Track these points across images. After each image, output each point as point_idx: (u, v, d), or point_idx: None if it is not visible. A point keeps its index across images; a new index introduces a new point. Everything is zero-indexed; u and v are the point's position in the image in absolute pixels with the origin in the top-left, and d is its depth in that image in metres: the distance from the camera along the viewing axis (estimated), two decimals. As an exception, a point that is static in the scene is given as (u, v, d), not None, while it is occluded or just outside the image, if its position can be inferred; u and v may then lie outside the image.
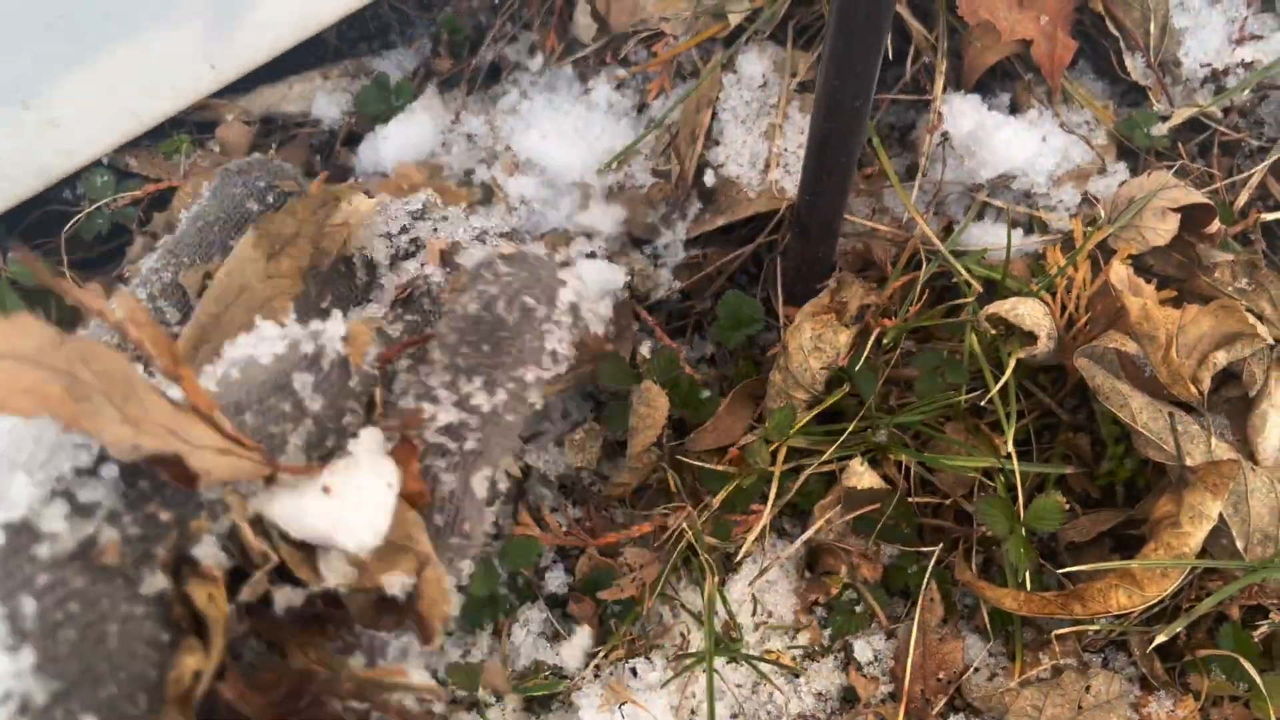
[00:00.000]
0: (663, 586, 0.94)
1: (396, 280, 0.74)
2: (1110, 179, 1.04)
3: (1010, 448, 0.89)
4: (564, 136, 1.11)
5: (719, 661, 0.91)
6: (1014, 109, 1.08)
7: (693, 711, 0.91)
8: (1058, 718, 0.86)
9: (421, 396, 0.63)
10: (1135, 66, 1.08)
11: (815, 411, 0.95)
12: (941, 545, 0.93)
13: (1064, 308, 0.93)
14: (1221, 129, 1.07)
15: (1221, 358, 0.86)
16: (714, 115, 1.07)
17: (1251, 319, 0.85)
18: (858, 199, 1.07)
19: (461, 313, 0.66)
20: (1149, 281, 0.90)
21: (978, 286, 0.96)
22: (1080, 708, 0.86)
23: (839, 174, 0.87)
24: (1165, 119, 1.06)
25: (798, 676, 0.93)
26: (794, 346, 0.94)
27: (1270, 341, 0.87)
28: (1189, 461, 0.84)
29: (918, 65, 1.09)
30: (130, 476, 0.53)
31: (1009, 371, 0.89)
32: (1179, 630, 0.85)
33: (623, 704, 0.89)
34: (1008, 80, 1.10)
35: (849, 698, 0.93)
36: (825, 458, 0.94)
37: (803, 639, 0.95)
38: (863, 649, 0.94)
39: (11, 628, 0.49)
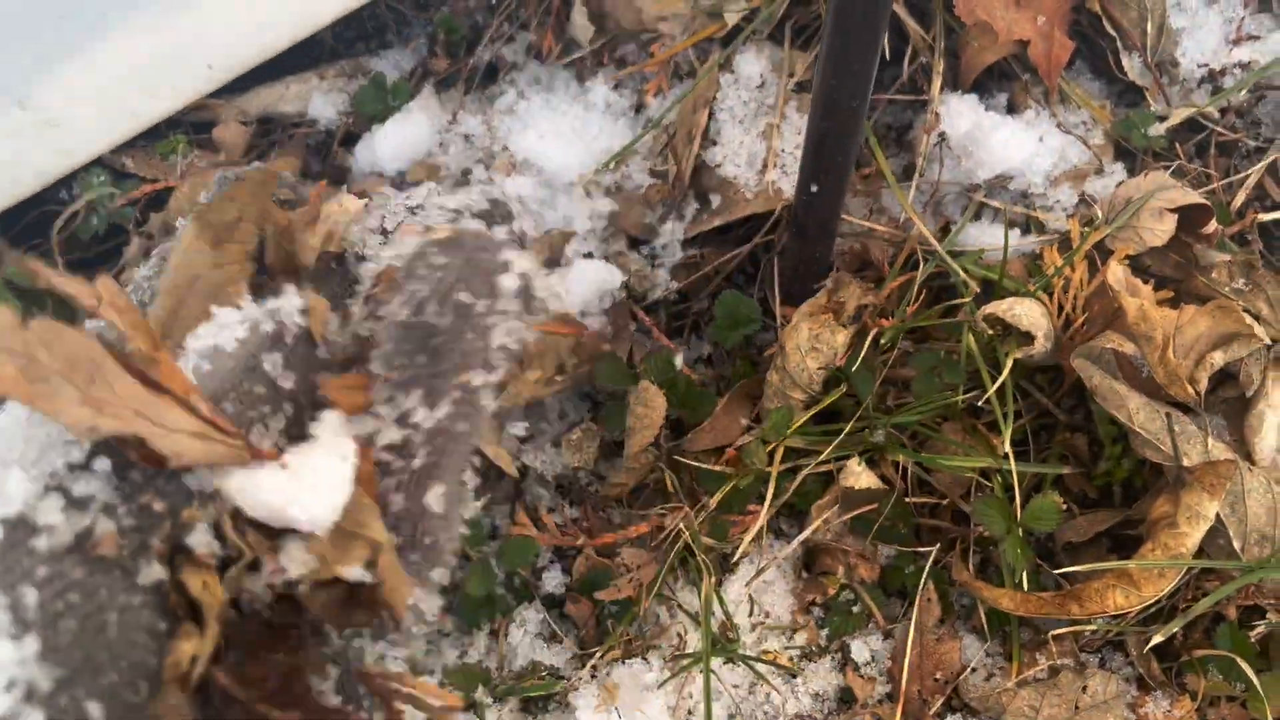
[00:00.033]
0: (660, 587, 0.93)
1: (374, 270, 0.73)
2: (1107, 179, 1.04)
3: (1007, 448, 0.89)
4: (561, 136, 1.11)
5: (716, 662, 0.91)
6: (1011, 109, 1.08)
7: (690, 712, 0.91)
8: (1055, 718, 0.86)
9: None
10: (1132, 67, 1.08)
11: (812, 412, 0.95)
12: (939, 545, 0.93)
13: (1061, 308, 0.93)
14: (1218, 129, 1.07)
15: (1218, 358, 0.86)
16: (711, 115, 1.07)
17: (1248, 319, 0.85)
18: (855, 199, 1.07)
19: (394, 319, 0.64)
20: (1146, 282, 0.90)
21: (975, 287, 0.96)
22: (1077, 708, 0.86)
23: (836, 174, 0.88)
24: (1162, 119, 1.06)
25: (795, 677, 0.93)
26: (791, 347, 0.94)
27: (1267, 341, 0.87)
28: (1186, 462, 0.84)
29: (915, 65, 1.09)
30: (122, 469, 0.54)
31: (1006, 372, 0.89)
32: (1176, 630, 0.85)
33: (619, 704, 0.89)
34: (1005, 80, 1.10)
35: (846, 698, 0.93)
36: (822, 458, 0.94)
37: (800, 639, 0.95)
38: (860, 649, 0.94)
39: (14, 617, 0.50)
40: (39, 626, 0.51)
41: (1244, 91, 1.07)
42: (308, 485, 0.55)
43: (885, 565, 0.96)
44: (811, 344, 0.93)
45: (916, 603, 0.91)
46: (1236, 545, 0.84)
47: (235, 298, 0.64)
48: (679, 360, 0.98)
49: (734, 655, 0.91)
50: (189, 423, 0.51)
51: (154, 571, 0.54)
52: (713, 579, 0.92)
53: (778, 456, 0.94)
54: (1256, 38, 1.09)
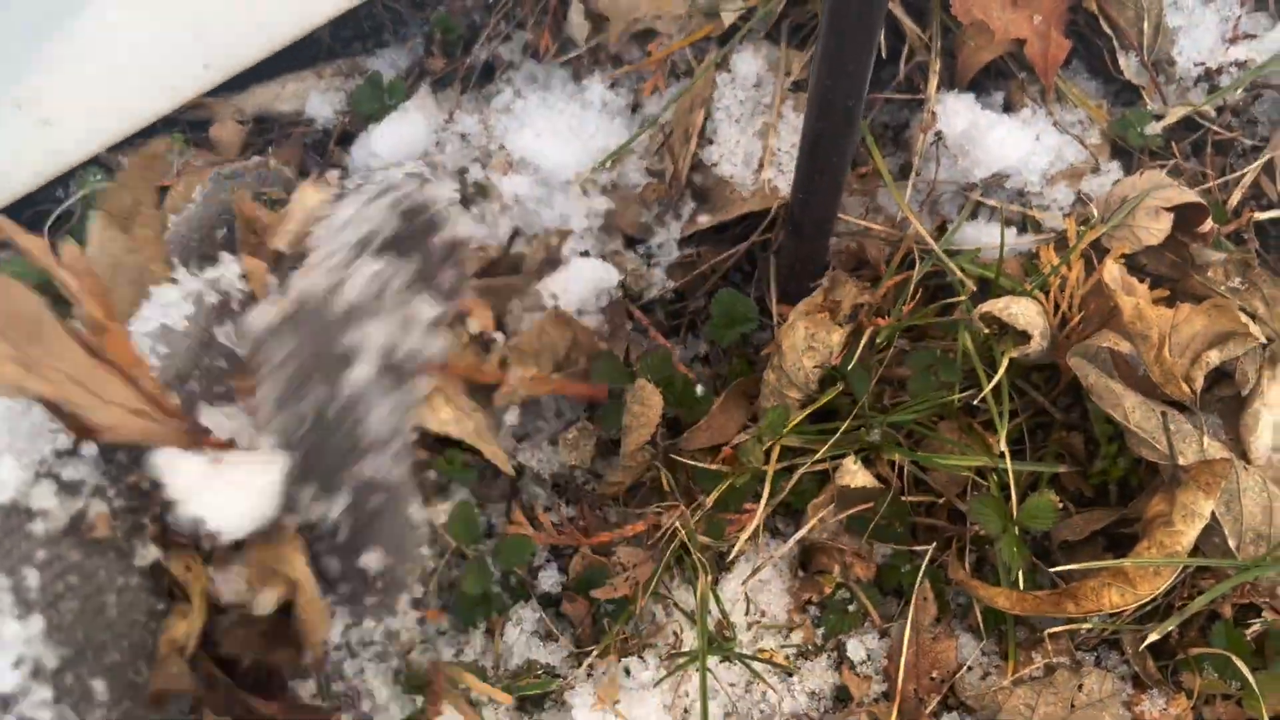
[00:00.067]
0: (656, 585, 0.94)
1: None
2: (1104, 178, 1.04)
3: (1003, 447, 0.89)
4: (558, 135, 1.11)
5: (712, 661, 0.91)
6: (1008, 108, 1.08)
7: (686, 711, 0.91)
8: (1051, 716, 0.86)
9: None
10: (1129, 66, 1.08)
11: (809, 410, 0.95)
12: (935, 544, 0.93)
13: (1057, 307, 0.93)
14: (1215, 128, 1.07)
15: (1214, 357, 0.86)
16: (708, 114, 1.07)
17: (1244, 318, 0.86)
18: (851, 198, 1.07)
19: (270, 412, 0.62)
20: (1142, 281, 0.90)
21: (971, 285, 0.96)
22: (1073, 706, 0.86)
23: (832, 173, 0.88)
24: (1159, 118, 1.06)
25: (791, 675, 0.93)
26: (788, 345, 0.94)
27: (1263, 340, 0.87)
28: (1182, 460, 0.84)
29: (911, 64, 1.09)
30: (108, 452, 0.55)
31: (1002, 370, 0.89)
32: (1172, 629, 0.85)
33: (615, 703, 0.89)
34: (1001, 79, 1.10)
35: (842, 697, 0.93)
36: (819, 456, 0.94)
37: (796, 638, 0.95)
38: (856, 648, 0.94)
39: (17, 598, 0.51)
40: (42, 607, 0.52)
41: (1240, 90, 1.07)
42: (226, 485, 0.55)
43: (881, 564, 0.96)
44: (808, 343, 0.93)
45: (912, 601, 0.91)
46: (1232, 544, 0.84)
47: (163, 275, 0.63)
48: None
49: (730, 654, 0.92)
50: (128, 397, 0.51)
51: (150, 553, 0.55)
52: (709, 577, 0.92)
53: (774, 455, 0.94)
54: (1253, 36, 1.09)
